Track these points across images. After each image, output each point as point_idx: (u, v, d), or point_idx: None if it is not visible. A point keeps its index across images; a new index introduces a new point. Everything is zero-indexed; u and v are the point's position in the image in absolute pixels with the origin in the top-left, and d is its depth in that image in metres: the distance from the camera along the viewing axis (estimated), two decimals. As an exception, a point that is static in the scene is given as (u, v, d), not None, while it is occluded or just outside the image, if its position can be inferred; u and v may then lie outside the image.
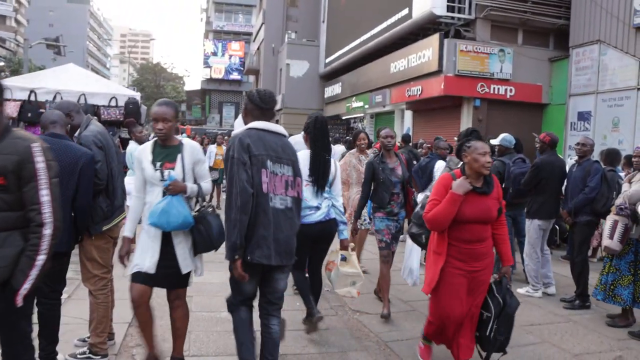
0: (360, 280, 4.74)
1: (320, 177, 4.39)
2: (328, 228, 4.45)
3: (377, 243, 5.34)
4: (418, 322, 5.05)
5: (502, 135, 7.02)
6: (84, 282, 4.01)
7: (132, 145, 7.90)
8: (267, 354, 3.43)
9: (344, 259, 4.69)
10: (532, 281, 6.33)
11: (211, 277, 6.55)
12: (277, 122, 33.02)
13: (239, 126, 3.74)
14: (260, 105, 3.48)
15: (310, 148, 4.49)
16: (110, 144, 4.05)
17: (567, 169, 6.60)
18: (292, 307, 5.37)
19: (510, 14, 15.52)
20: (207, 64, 52.07)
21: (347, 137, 15.51)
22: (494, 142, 7.89)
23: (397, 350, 4.39)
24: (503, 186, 6.70)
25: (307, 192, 4.28)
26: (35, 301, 3.59)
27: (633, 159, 5.71)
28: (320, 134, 4.48)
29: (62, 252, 3.58)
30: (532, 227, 6.33)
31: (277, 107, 31.72)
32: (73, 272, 5.45)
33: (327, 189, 4.48)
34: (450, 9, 15.74)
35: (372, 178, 5.31)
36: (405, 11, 17.61)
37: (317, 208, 4.38)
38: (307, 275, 4.71)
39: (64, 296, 4.06)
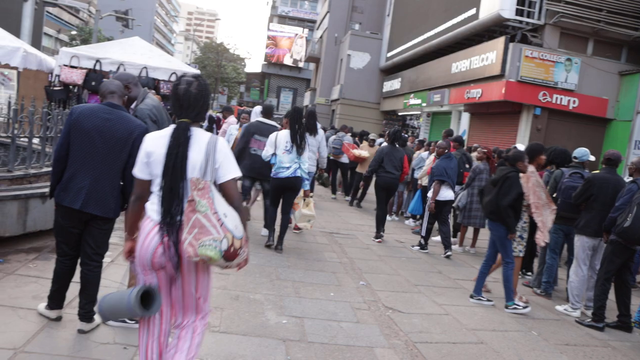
0: (313, 219, 7.21)
1: (298, 146, 6.61)
2: (294, 181, 6.68)
3: None
4: (450, 327, 5.00)
5: (579, 149, 6.89)
6: (126, 249, 4.14)
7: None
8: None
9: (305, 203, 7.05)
10: (573, 299, 6.08)
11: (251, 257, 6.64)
12: (333, 111, 32.85)
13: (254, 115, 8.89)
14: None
15: (290, 128, 6.66)
16: (165, 118, 4.15)
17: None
18: (326, 297, 5.41)
19: (582, 22, 14.99)
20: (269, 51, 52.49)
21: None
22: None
23: (424, 352, 4.34)
24: (554, 196, 6.50)
25: (285, 157, 6.56)
26: (79, 261, 3.77)
27: None
28: (295, 119, 6.68)
29: (110, 217, 3.73)
30: (579, 242, 6.13)
31: (335, 96, 31.74)
32: (118, 238, 5.68)
33: (299, 157, 6.62)
34: (519, 12, 15.36)
35: None
36: (473, 11, 17.27)
37: (287, 168, 6.57)
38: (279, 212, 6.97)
39: (106, 260, 4.21)
